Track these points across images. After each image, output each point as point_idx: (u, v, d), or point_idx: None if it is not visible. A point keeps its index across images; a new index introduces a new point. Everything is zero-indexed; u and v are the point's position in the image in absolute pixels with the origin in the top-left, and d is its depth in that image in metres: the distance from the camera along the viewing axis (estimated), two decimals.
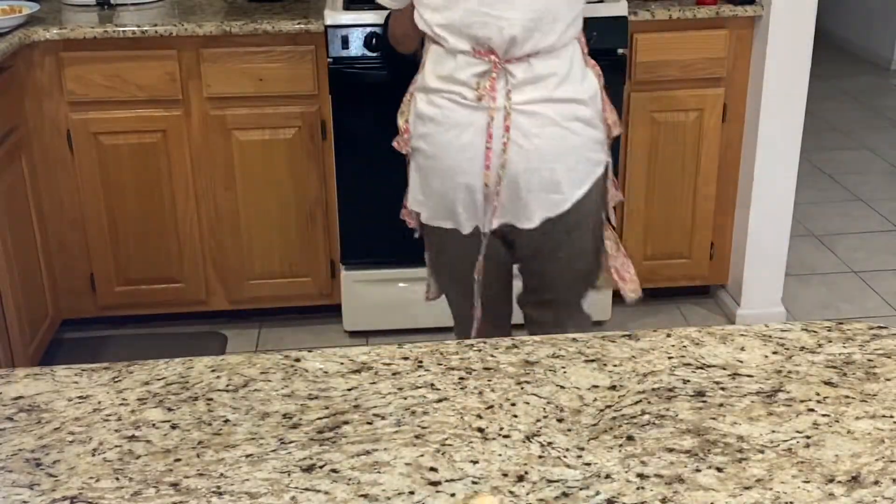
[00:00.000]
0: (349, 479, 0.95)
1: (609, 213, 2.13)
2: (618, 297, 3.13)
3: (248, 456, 0.99)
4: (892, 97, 5.65)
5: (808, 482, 0.94)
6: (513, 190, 1.97)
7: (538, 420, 1.04)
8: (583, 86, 1.98)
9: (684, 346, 1.19)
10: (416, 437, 1.02)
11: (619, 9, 2.75)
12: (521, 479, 0.95)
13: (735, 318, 3.17)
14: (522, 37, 1.90)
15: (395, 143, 2.11)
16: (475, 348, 1.19)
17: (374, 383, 1.12)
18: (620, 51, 2.83)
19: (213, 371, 1.15)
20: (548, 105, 1.94)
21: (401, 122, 2.09)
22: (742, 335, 1.21)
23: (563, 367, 1.14)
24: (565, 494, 0.93)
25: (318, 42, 2.78)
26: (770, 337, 1.21)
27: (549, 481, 0.95)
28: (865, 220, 4.01)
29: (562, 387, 1.11)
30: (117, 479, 0.96)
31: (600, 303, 3.10)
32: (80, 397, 1.10)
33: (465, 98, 1.94)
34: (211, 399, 1.09)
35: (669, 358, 1.16)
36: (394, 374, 1.14)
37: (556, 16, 1.91)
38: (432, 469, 0.97)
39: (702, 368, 1.14)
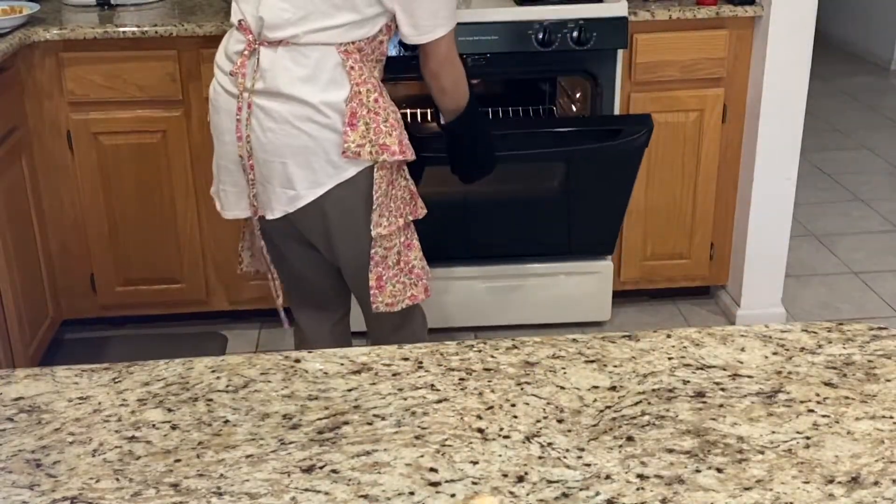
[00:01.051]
0: (349, 480, 0.95)
1: (379, 225, 2.04)
2: (618, 297, 3.16)
3: (248, 456, 0.99)
4: (892, 97, 5.65)
5: (808, 483, 0.94)
6: (258, 177, 2.01)
7: (538, 420, 1.04)
8: (325, 93, 1.93)
9: (684, 347, 1.19)
10: (416, 437, 1.02)
11: (619, 9, 2.75)
12: (521, 479, 0.95)
13: (735, 318, 3.17)
14: (272, 21, 1.91)
15: None
16: (475, 349, 1.19)
17: (374, 384, 1.12)
18: (620, 51, 2.83)
19: (213, 371, 1.15)
20: (281, 101, 1.93)
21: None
22: (742, 336, 1.21)
23: (563, 368, 1.14)
24: (565, 495, 0.93)
25: None
26: (770, 337, 1.21)
27: (549, 482, 0.95)
28: (865, 220, 4.01)
29: (562, 387, 1.11)
30: (117, 479, 0.96)
31: (600, 303, 3.10)
32: (80, 398, 1.10)
33: (224, 73, 1.99)
34: (211, 400, 1.09)
35: (669, 358, 1.16)
36: (394, 374, 1.14)
37: (312, 11, 1.90)
38: (432, 469, 0.97)
39: (702, 369, 1.14)
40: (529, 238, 3.00)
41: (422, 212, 2.16)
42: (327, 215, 2.03)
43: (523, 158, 2.75)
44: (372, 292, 2.09)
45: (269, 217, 2.05)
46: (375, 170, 1.99)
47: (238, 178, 2.07)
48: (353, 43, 1.95)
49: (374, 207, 2.01)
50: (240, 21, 1.97)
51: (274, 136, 1.95)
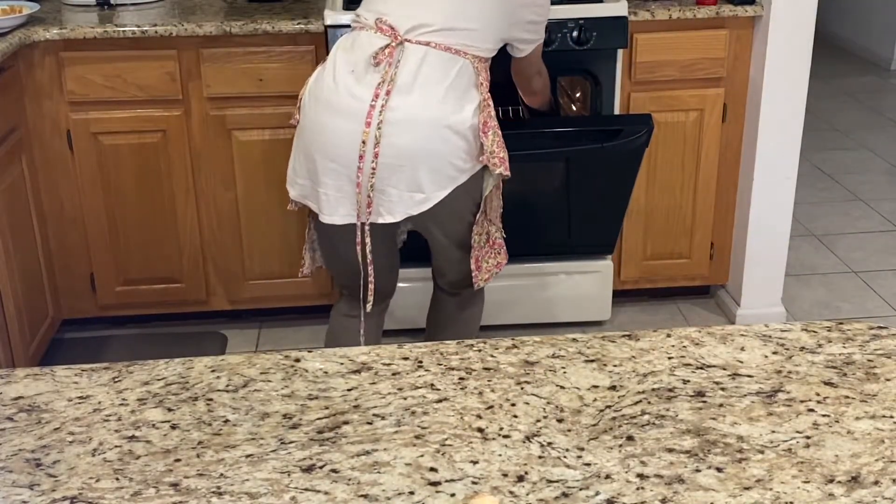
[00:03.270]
0: (349, 479, 0.95)
1: (481, 214, 2.22)
2: (618, 297, 3.16)
3: (248, 456, 0.99)
4: (892, 97, 5.65)
5: (808, 482, 0.94)
6: (380, 181, 2.06)
7: (538, 420, 1.04)
8: (462, 101, 2.06)
9: (684, 346, 1.19)
10: (416, 437, 1.02)
11: (619, 9, 2.75)
12: (521, 479, 0.95)
13: (735, 318, 3.17)
14: (428, 21, 2.02)
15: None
16: (475, 348, 1.19)
17: (374, 383, 1.12)
18: (620, 51, 2.83)
19: (213, 371, 1.15)
20: (421, 106, 2.02)
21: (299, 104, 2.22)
22: (742, 335, 1.21)
23: (563, 368, 1.14)
24: (565, 495, 0.93)
25: (318, 42, 2.78)
26: (770, 337, 1.21)
27: (549, 481, 0.95)
28: (865, 220, 4.01)
29: (562, 387, 1.11)
30: (117, 479, 0.96)
31: (600, 303, 3.10)
32: (80, 397, 1.10)
33: (348, 73, 2.05)
34: (211, 399, 1.09)
35: (669, 358, 1.16)
36: (394, 374, 1.14)
37: (468, 22, 2.04)
38: (432, 469, 0.97)
39: (702, 368, 1.14)
40: (529, 238, 3.00)
41: (500, 205, 2.34)
42: (438, 214, 2.13)
43: (523, 159, 2.75)
44: (473, 274, 2.28)
45: (387, 220, 2.09)
46: (487, 174, 2.15)
47: (344, 183, 2.07)
48: (484, 58, 2.11)
49: (481, 209, 2.20)
50: (377, 20, 2.04)
51: (411, 141, 2.02)
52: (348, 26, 2.28)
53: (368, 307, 2.25)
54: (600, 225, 2.93)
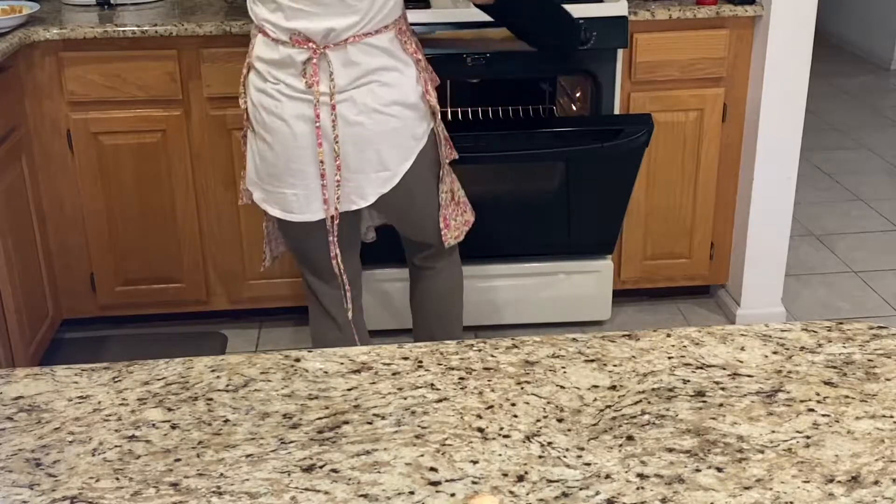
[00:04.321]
0: (349, 479, 0.95)
1: (443, 170, 2.29)
2: (618, 296, 3.16)
3: (248, 456, 0.99)
4: (892, 97, 5.65)
5: (808, 482, 0.94)
6: (347, 171, 2.10)
7: (538, 420, 1.04)
8: (401, 74, 2.09)
9: (684, 346, 1.19)
10: (416, 437, 1.02)
11: (619, 9, 2.75)
12: (521, 479, 0.95)
13: (735, 318, 3.17)
14: (341, 27, 2.00)
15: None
16: (475, 348, 1.19)
17: (374, 383, 1.12)
18: (620, 51, 2.83)
19: (213, 371, 1.15)
20: (365, 93, 2.05)
21: (241, 102, 2.22)
22: (742, 335, 1.21)
23: (563, 367, 1.14)
24: (565, 494, 0.93)
25: None
26: (770, 337, 1.21)
27: (549, 481, 0.95)
28: (865, 220, 4.01)
29: (562, 387, 1.11)
30: (117, 479, 0.96)
31: (600, 303, 3.10)
32: (80, 397, 1.10)
33: (281, 82, 2.05)
34: (211, 399, 1.09)
35: (669, 358, 1.16)
36: (394, 374, 1.14)
37: (373, 6, 2.01)
38: (432, 469, 0.97)
39: (702, 368, 1.14)
40: (529, 238, 3.00)
41: (456, 154, 2.35)
42: (407, 185, 2.17)
43: (523, 159, 2.75)
44: (443, 232, 2.33)
45: (360, 206, 2.15)
46: (435, 126, 2.20)
47: (310, 181, 2.10)
48: (398, 20, 2.08)
49: (441, 161, 2.25)
50: (291, 36, 2.02)
51: (364, 129, 2.07)
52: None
53: (349, 314, 2.32)
54: (600, 225, 2.94)
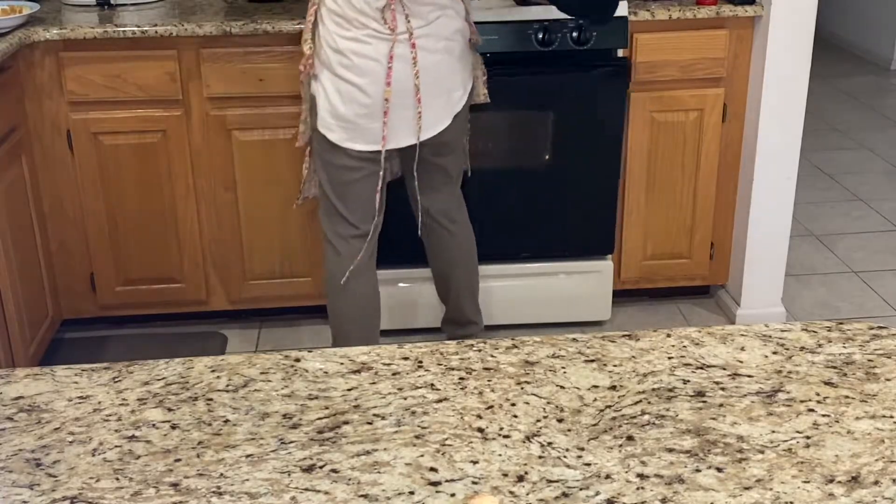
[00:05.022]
0: (349, 479, 0.95)
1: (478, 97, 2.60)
2: (618, 296, 3.16)
3: (248, 456, 0.99)
4: (892, 97, 5.65)
5: (808, 482, 0.94)
6: (428, 98, 2.37)
7: (538, 420, 1.04)
8: (456, 8, 2.39)
9: (684, 346, 1.19)
10: (416, 437, 1.02)
11: (620, 9, 2.75)
12: (521, 479, 0.95)
13: (735, 318, 3.17)
14: None
15: (301, 67, 2.43)
16: (475, 348, 1.19)
17: (374, 383, 1.12)
18: (620, 51, 2.83)
19: (213, 371, 1.15)
20: (437, 25, 2.33)
21: (306, 48, 2.39)
22: (742, 335, 1.21)
23: (563, 367, 1.14)
24: (565, 494, 0.93)
25: None
26: (770, 337, 1.21)
27: (549, 481, 0.95)
28: (865, 220, 4.01)
29: (562, 387, 1.11)
30: (117, 479, 0.96)
31: (600, 303, 3.10)
32: (80, 397, 1.10)
33: (379, 31, 2.29)
34: (211, 399, 1.09)
35: (669, 358, 1.16)
36: (394, 374, 1.14)
37: None
38: (432, 469, 0.97)
39: (702, 368, 1.14)
40: (528, 236, 3.00)
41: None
42: (465, 104, 2.48)
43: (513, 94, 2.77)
44: (467, 160, 2.67)
45: (440, 129, 2.41)
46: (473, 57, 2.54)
47: (401, 112, 2.35)
48: None
49: (472, 86, 2.53)
50: None
51: (442, 56, 2.35)
52: None
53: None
54: (595, 216, 2.95)
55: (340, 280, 2.53)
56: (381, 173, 2.43)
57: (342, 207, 2.48)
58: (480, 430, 1.03)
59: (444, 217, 2.65)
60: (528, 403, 1.08)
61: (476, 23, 2.68)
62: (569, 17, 2.72)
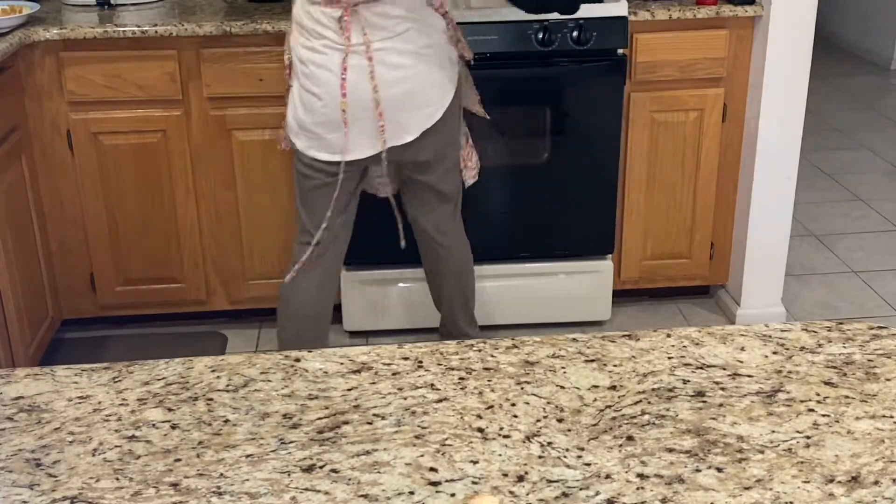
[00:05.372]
0: (349, 479, 0.95)
1: (462, 113, 2.51)
2: (618, 296, 3.16)
3: (248, 456, 0.99)
4: (892, 97, 5.65)
5: (808, 482, 0.94)
6: (391, 112, 2.29)
7: (538, 420, 1.04)
8: (432, 24, 2.31)
9: (684, 346, 1.19)
10: (416, 437, 1.02)
11: (619, 9, 2.75)
12: (521, 479, 0.95)
13: (735, 318, 3.17)
14: None
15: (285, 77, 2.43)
16: (475, 348, 1.19)
17: (374, 383, 1.12)
18: (620, 51, 2.83)
19: (213, 371, 1.15)
20: (402, 38, 2.25)
21: (285, 58, 2.40)
22: (742, 335, 1.21)
23: (563, 367, 1.14)
24: (565, 494, 0.93)
25: None
26: (770, 337, 1.21)
27: (549, 481, 0.95)
28: (865, 220, 4.01)
29: (562, 387, 1.11)
30: (117, 479, 0.96)
31: (600, 303, 3.10)
32: (80, 397, 1.10)
33: (335, 41, 2.25)
34: (211, 399, 1.09)
35: (669, 358, 1.16)
36: (394, 374, 1.14)
37: None
38: (432, 469, 0.97)
39: (702, 368, 1.14)
40: (528, 236, 3.00)
41: (477, 96, 2.61)
42: (445, 119, 2.37)
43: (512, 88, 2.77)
44: (463, 172, 2.57)
45: (407, 140, 2.32)
46: (460, 70, 2.43)
47: (358, 124, 2.28)
48: None
49: (463, 94, 2.47)
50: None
51: (406, 70, 2.26)
52: None
53: (402, 243, 2.62)
54: (595, 214, 2.95)
55: (285, 279, 2.53)
56: (339, 184, 2.37)
57: (303, 212, 2.47)
58: (480, 430, 1.03)
59: (435, 231, 2.60)
60: (528, 403, 1.08)
61: (477, 23, 2.68)
62: (569, 18, 2.72)
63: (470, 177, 2.59)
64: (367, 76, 2.23)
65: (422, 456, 0.99)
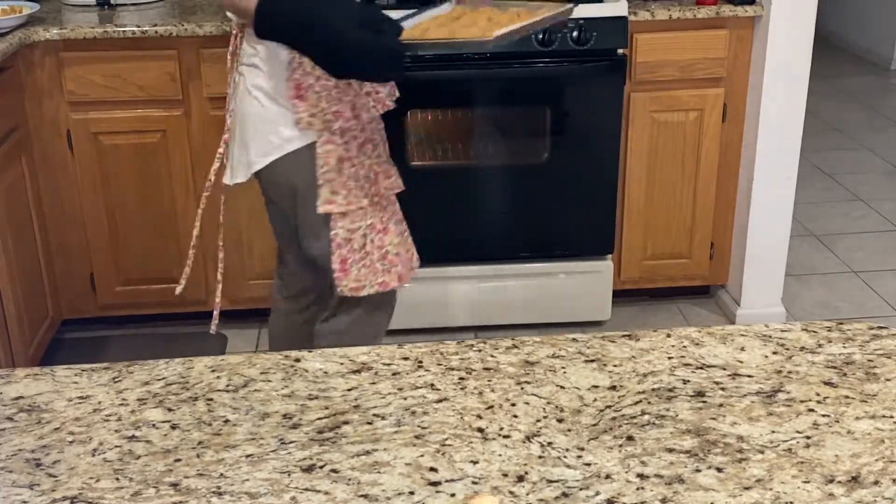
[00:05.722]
0: (349, 479, 0.95)
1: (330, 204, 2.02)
2: (618, 296, 3.16)
3: (248, 456, 0.99)
4: (892, 97, 5.65)
5: (808, 482, 0.94)
6: (231, 144, 2.08)
7: (538, 420, 1.04)
8: (268, 64, 1.95)
9: (684, 346, 1.19)
10: (416, 437, 1.02)
11: (619, 9, 2.75)
12: (521, 479, 0.95)
13: (735, 318, 3.17)
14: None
15: None
16: (475, 348, 1.19)
17: (374, 383, 1.12)
18: (620, 51, 2.83)
19: (213, 371, 1.15)
20: (248, 69, 1.98)
21: None
22: (742, 335, 1.21)
23: (563, 368, 1.14)
24: (565, 494, 0.93)
25: None
26: (770, 337, 1.21)
27: (549, 481, 0.95)
28: (865, 220, 4.01)
29: (562, 387, 1.11)
30: (117, 479, 0.96)
31: (600, 303, 3.10)
32: (80, 397, 1.10)
33: (231, 56, 2.09)
34: (211, 399, 1.09)
35: (669, 358, 1.16)
36: (394, 374, 1.14)
37: None
38: (432, 469, 0.97)
39: (702, 368, 1.14)
40: (528, 236, 3.00)
41: (395, 189, 2.10)
42: (277, 188, 2.08)
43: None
44: (336, 275, 2.03)
45: (231, 182, 2.11)
46: (319, 145, 1.96)
47: (229, 148, 2.12)
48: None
49: (319, 183, 1.97)
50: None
51: (240, 106, 2.02)
52: None
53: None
54: (595, 213, 2.96)
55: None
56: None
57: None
58: (480, 430, 1.03)
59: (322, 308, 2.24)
60: (528, 403, 1.08)
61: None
62: (569, 18, 2.72)
63: (346, 286, 2.04)
64: (234, 98, 2.06)
65: (422, 456, 0.99)
